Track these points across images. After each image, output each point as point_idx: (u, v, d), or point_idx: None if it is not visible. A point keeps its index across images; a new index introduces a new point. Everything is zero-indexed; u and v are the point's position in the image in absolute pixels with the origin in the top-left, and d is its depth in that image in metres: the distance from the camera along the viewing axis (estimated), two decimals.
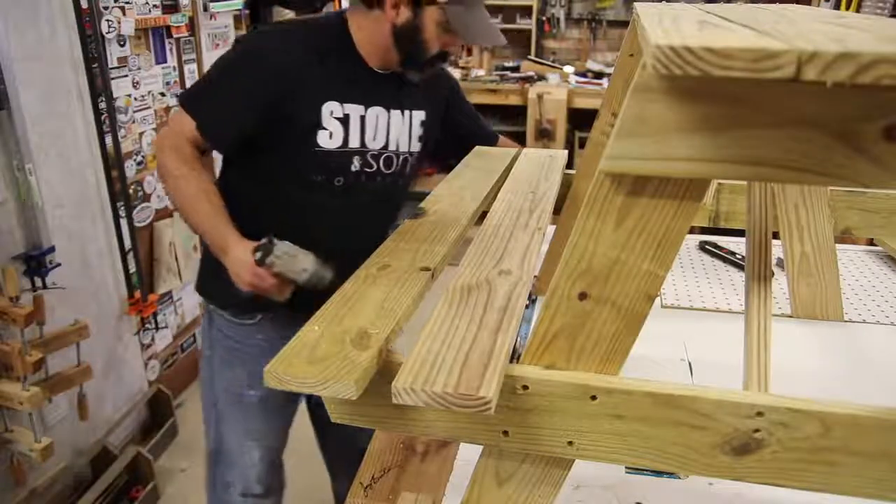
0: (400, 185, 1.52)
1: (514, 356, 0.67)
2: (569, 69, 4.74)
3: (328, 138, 1.35)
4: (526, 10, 4.96)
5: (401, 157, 1.48)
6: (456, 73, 4.84)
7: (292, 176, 1.38)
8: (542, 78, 4.73)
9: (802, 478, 0.61)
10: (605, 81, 4.48)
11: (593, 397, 0.63)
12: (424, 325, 0.69)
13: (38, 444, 1.96)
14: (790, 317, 1.36)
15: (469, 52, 5.11)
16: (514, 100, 4.60)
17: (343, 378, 0.62)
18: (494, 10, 5.03)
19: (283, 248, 1.22)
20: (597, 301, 0.60)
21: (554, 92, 4.45)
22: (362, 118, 1.39)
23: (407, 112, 1.47)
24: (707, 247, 1.70)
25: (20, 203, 1.97)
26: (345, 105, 1.37)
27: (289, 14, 3.40)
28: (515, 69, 4.87)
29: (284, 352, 0.66)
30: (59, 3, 2.08)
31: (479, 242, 0.91)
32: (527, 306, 1.06)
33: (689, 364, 1.19)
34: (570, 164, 1.39)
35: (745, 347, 0.81)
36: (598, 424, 0.64)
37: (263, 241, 1.21)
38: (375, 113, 1.41)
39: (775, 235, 1.09)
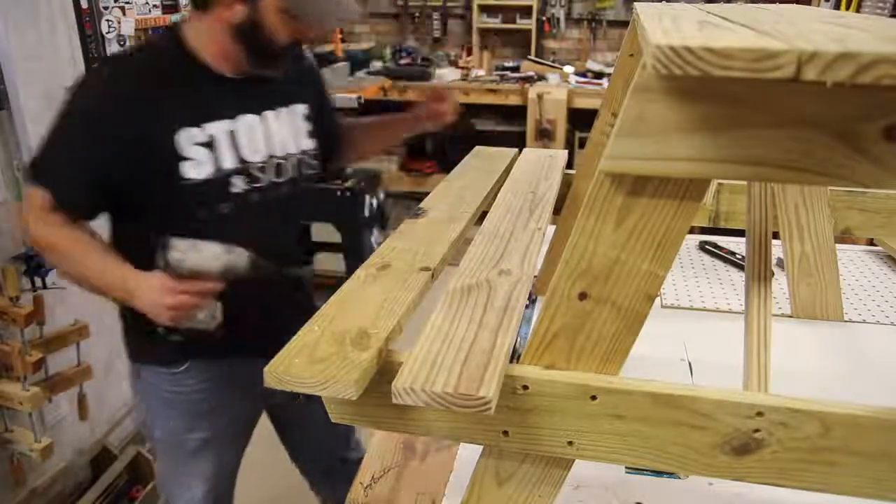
0: (302, 190, 1.40)
1: (514, 356, 0.67)
2: (569, 69, 4.74)
3: (195, 169, 1.22)
4: (526, 10, 4.96)
5: (293, 160, 1.37)
6: (456, 73, 4.85)
7: (173, 218, 1.24)
8: (542, 78, 4.73)
9: (802, 478, 0.61)
10: (605, 81, 4.48)
11: (593, 397, 0.63)
12: (424, 325, 0.69)
13: (38, 444, 1.97)
14: (790, 317, 1.36)
15: (469, 52, 5.12)
16: (514, 100, 4.60)
17: (343, 378, 0.62)
18: (494, 10, 5.03)
19: (183, 242, 1.13)
20: (597, 301, 0.60)
21: (554, 92, 4.45)
22: (232, 133, 1.27)
23: (284, 109, 1.36)
24: (707, 247, 1.70)
25: (20, 203, 1.97)
26: (205, 126, 1.24)
27: None
28: (515, 69, 4.87)
29: (284, 352, 0.66)
30: (59, 3, 2.08)
31: (479, 242, 0.91)
32: (527, 306, 1.06)
33: (689, 364, 1.19)
34: (570, 164, 1.38)
35: (745, 347, 0.81)
36: (598, 424, 0.64)
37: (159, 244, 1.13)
38: (247, 123, 1.29)
39: (775, 235, 1.09)
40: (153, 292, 1.13)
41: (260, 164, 1.31)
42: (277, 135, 1.34)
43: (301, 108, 1.39)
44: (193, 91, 1.25)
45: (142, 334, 1.37)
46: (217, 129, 1.25)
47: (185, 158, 1.22)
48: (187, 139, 1.22)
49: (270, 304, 1.36)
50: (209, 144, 1.24)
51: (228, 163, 1.26)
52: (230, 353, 1.39)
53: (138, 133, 1.19)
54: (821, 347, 1.26)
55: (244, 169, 1.29)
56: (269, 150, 1.32)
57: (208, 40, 1.24)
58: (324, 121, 1.50)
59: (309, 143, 1.41)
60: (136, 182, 1.22)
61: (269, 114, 1.33)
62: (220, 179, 1.26)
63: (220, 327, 1.22)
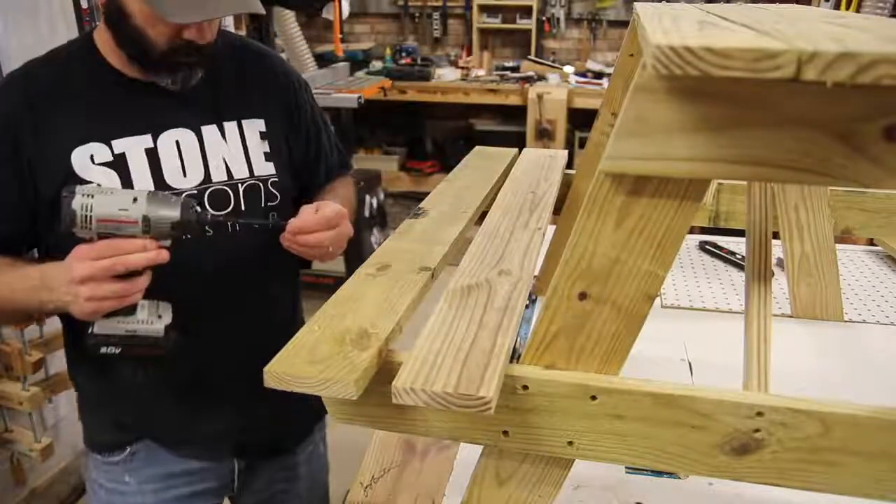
0: (260, 227, 1.07)
1: (515, 356, 0.67)
2: (569, 69, 4.74)
3: None
4: (526, 10, 4.96)
5: (244, 187, 1.09)
6: (456, 73, 4.85)
7: None
8: (542, 78, 4.73)
9: (802, 478, 0.61)
10: (605, 81, 4.48)
11: (593, 397, 0.63)
12: (424, 325, 0.69)
13: (38, 444, 1.97)
14: (790, 317, 1.36)
15: (469, 52, 5.12)
16: (514, 100, 4.60)
17: (343, 378, 0.62)
18: (494, 9, 5.03)
19: (90, 186, 0.91)
20: (597, 301, 0.60)
21: (554, 92, 4.45)
22: (151, 152, 1.02)
23: (232, 124, 1.09)
24: (707, 247, 1.70)
25: None
26: (114, 143, 1.00)
27: (289, 14, 3.40)
28: (515, 69, 4.87)
29: (284, 352, 0.66)
30: (59, 3, 2.08)
31: (479, 242, 0.91)
32: (527, 306, 1.06)
33: (689, 364, 1.19)
34: (570, 164, 1.38)
35: (745, 347, 0.81)
36: (598, 424, 0.64)
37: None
38: (174, 138, 1.04)
39: (775, 235, 1.09)
40: (66, 270, 0.88)
41: (194, 192, 1.04)
42: (218, 154, 1.08)
43: (256, 124, 1.12)
44: (99, 101, 1.02)
45: (85, 407, 1.21)
46: (130, 145, 1.01)
47: (86, 182, 0.97)
48: (86, 157, 0.99)
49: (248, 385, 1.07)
50: (118, 165, 1.00)
51: (143, 188, 1.00)
52: (173, 449, 1.16)
53: (26, 154, 0.99)
54: (821, 347, 1.26)
55: None
56: (206, 173, 1.06)
57: (104, 37, 1.03)
58: (300, 145, 1.21)
59: (268, 168, 1.12)
60: (36, 214, 1.01)
61: (208, 129, 1.07)
62: None
63: (171, 331, 0.97)
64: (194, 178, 1.05)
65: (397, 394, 0.59)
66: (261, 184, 1.11)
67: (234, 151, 1.09)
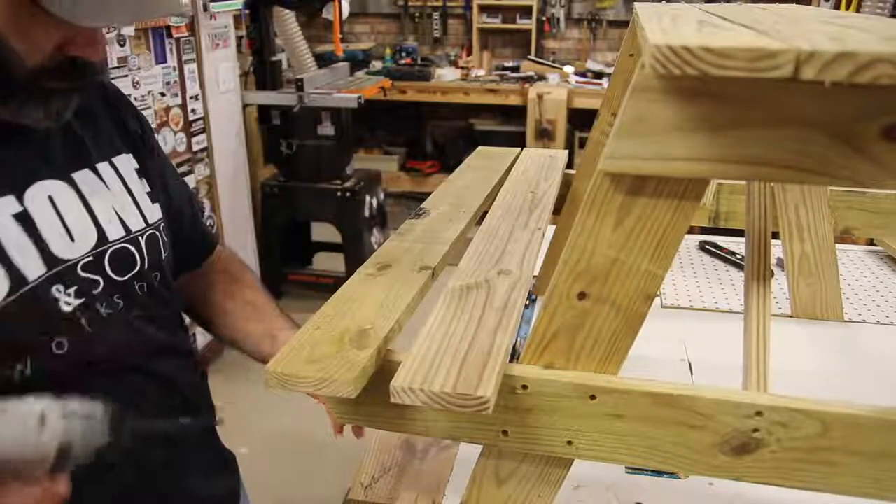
0: (163, 283, 0.87)
1: (514, 356, 0.67)
2: (569, 69, 4.74)
3: None
4: (526, 10, 4.96)
5: (144, 240, 0.84)
6: (456, 73, 4.84)
7: None
8: (542, 78, 4.73)
9: (802, 478, 0.61)
10: (605, 81, 4.48)
11: (592, 397, 0.63)
12: (423, 325, 0.69)
13: None
14: (790, 317, 1.35)
15: (469, 52, 5.12)
16: (514, 100, 4.60)
17: (342, 377, 0.62)
18: (494, 9, 5.03)
19: (68, 405, 0.60)
20: (596, 301, 0.60)
21: (554, 92, 4.45)
22: (23, 218, 0.70)
23: (105, 164, 0.83)
24: (707, 247, 1.70)
25: None
26: None
27: (289, 14, 3.40)
28: (515, 69, 4.87)
29: (283, 352, 0.66)
30: None
31: (478, 242, 0.91)
32: (527, 306, 1.06)
33: (689, 364, 1.19)
34: (570, 164, 1.38)
35: (745, 347, 0.81)
36: (598, 424, 0.64)
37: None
38: (47, 195, 0.73)
39: (775, 235, 1.09)
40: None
41: (91, 259, 0.77)
42: (108, 206, 0.81)
43: (126, 160, 0.87)
44: None
45: None
46: None
47: None
48: None
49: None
50: None
51: (33, 269, 0.70)
52: None
53: None
54: (821, 347, 1.26)
55: (62, 273, 0.73)
56: (100, 233, 0.79)
57: None
58: (174, 189, 0.97)
59: (156, 211, 0.88)
60: None
61: (82, 176, 0.79)
62: (28, 298, 0.69)
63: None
64: (88, 240, 0.77)
65: (396, 393, 0.59)
66: (157, 232, 0.88)
67: (122, 198, 0.84)
